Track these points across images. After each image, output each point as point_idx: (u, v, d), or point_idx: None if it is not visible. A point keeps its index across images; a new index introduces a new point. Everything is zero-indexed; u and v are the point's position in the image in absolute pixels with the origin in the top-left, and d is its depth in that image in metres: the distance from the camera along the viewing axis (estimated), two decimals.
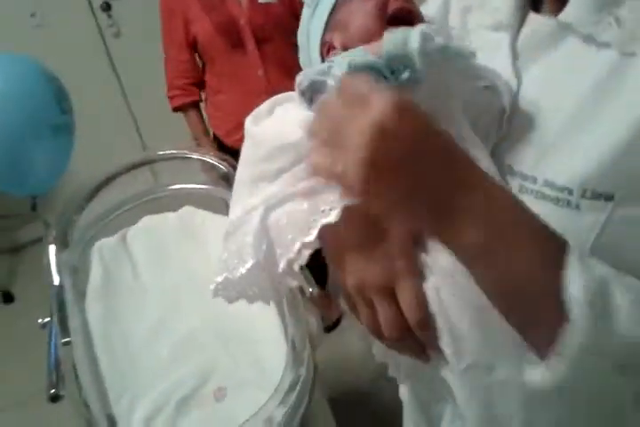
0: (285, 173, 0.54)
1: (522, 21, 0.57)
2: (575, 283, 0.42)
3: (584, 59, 0.50)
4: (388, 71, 0.51)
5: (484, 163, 0.51)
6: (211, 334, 1.19)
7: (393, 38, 0.51)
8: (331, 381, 1.80)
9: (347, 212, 0.49)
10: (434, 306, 0.50)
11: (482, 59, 0.56)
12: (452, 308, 0.50)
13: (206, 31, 1.74)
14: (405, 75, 0.50)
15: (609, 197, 0.48)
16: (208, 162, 1.40)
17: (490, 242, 0.44)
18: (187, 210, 1.47)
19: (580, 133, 0.49)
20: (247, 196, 0.57)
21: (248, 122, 0.59)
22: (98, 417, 0.97)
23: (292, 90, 0.58)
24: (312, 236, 0.51)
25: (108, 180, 1.45)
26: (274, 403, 0.95)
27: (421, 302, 0.50)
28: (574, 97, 0.50)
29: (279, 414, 0.93)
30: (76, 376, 1.01)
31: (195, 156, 1.45)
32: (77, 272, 1.29)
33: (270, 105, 0.60)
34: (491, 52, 0.57)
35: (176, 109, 1.90)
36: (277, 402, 0.95)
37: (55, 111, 1.28)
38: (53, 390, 0.98)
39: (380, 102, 0.41)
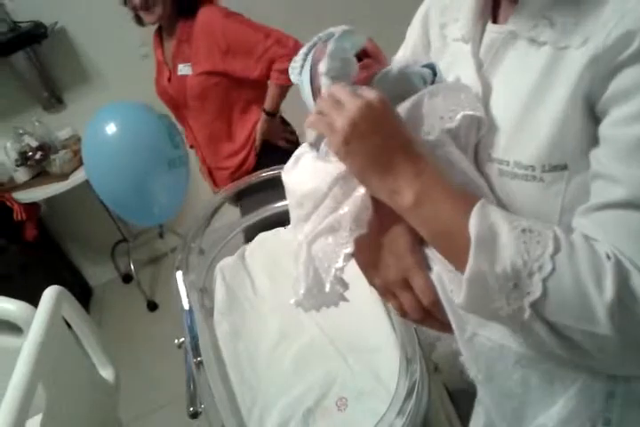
0: (312, 215, 0.70)
1: (482, 33, 0.68)
2: (473, 228, 0.55)
3: (529, 57, 0.61)
4: None
5: (463, 163, 0.65)
6: (329, 344, 1.26)
7: None
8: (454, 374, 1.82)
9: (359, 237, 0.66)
10: (439, 290, 0.64)
11: (455, 69, 0.70)
12: (451, 290, 0.63)
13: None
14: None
15: (563, 167, 0.59)
16: None
17: (418, 200, 0.59)
18: None
19: (531, 119, 0.60)
20: (296, 234, 0.74)
21: (283, 174, 0.77)
22: None
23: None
24: (340, 263, 0.67)
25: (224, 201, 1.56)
26: (392, 414, 1.00)
27: (429, 288, 0.65)
28: (525, 90, 0.60)
29: (399, 423, 0.98)
30: (211, 393, 1.12)
31: None
32: (205, 292, 1.41)
33: (295, 158, 0.77)
34: (462, 63, 0.69)
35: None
36: (396, 412, 1.00)
37: (169, 147, 1.40)
38: (192, 408, 1.09)
39: (360, 99, 0.61)
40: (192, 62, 1.75)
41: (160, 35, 1.88)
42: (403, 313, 0.69)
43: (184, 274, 1.37)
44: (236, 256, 1.50)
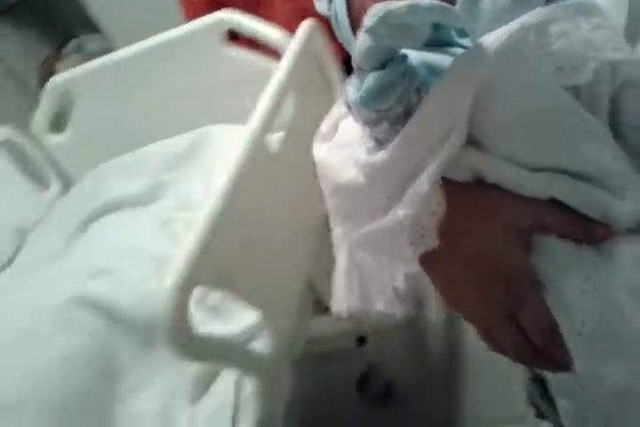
0: (352, 211, 0.53)
1: None
2: None
3: None
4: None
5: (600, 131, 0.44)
6: None
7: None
8: None
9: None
10: (557, 315, 0.45)
11: None
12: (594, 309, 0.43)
13: None
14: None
15: None
16: None
17: None
18: None
19: None
20: (332, 223, 0.58)
21: (316, 141, 0.59)
22: None
23: None
24: (400, 283, 0.49)
25: None
26: None
27: (545, 315, 0.45)
28: None
29: None
30: None
31: None
32: None
33: (335, 120, 0.59)
34: None
35: None
36: None
37: None
38: None
39: None
40: None
41: None
42: (504, 352, 0.50)
43: None
44: None
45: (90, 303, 0.96)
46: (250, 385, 0.87)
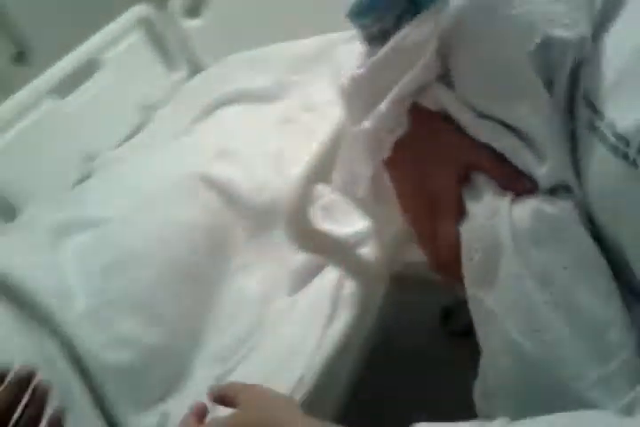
0: (345, 110, 0.56)
1: None
2: None
3: None
4: None
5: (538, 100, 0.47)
6: None
7: None
8: None
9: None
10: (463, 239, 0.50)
11: None
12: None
13: None
14: None
15: None
16: None
17: None
18: None
19: None
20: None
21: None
22: None
23: None
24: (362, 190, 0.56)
25: None
26: None
27: (453, 240, 0.51)
28: None
29: None
30: None
31: None
32: None
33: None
34: None
35: None
36: None
37: None
38: None
39: None
40: None
41: None
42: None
43: None
44: None
45: (211, 182, 0.99)
46: (349, 287, 0.90)
